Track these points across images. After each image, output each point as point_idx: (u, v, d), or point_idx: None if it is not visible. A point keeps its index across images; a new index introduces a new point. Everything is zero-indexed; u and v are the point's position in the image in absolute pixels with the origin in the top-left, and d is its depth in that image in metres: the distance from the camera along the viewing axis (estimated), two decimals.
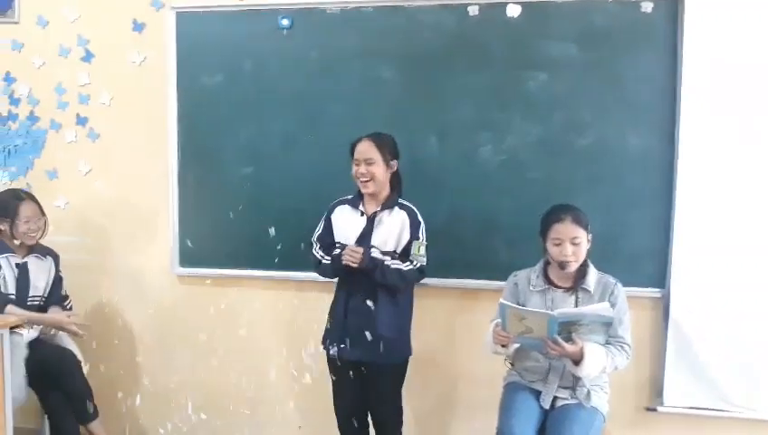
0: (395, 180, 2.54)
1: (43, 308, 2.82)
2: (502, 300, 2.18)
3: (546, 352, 2.16)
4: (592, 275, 2.29)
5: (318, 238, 2.58)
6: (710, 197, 2.62)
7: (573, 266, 2.25)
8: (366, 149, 2.43)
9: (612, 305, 2.17)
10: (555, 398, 2.28)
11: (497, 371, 2.48)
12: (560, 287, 2.30)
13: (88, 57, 3.10)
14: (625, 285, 2.36)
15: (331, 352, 2.52)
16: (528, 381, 2.34)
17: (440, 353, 2.92)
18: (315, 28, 2.86)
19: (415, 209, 2.50)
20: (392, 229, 2.44)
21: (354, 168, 2.47)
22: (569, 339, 2.11)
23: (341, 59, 2.85)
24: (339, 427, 2.64)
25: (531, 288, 2.32)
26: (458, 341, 2.89)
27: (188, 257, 3.06)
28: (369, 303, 2.42)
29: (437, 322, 2.89)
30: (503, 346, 2.25)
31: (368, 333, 2.42)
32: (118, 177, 3.12)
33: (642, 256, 2.70)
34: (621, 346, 2.23)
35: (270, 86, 2.91)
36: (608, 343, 2.22)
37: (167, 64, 2.99)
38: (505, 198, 2.76)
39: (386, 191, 2.50)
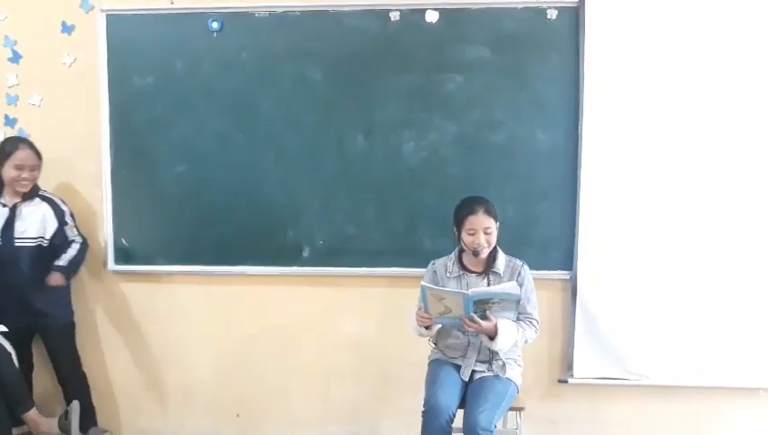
0: None
1: None
2: (423, 283, 2.37)
3: (465, 329, 2.37)
4: (501, 259, 2.51)
5: None
6: (610, 188, 2.88)
7: (486, 252, 2.47)
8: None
9: (520, 285, 2.39)
10: (474, 371, 2.49)
11: (423, 352, 2.66)
12: (473, 272, 2.51)
13: (15, 58, 3.10)
14: (536, 268, 2.59)
15: None
16: (450, 357, 2.54)
17: (371, 338, 3.09)
18: (245, 31, 2.97)
19: (56, 200, 2.94)
20: (33, 219, 2.87)
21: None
22: (484, 317, 2.32)
23: (272, 61, 2.97)
24: None
25: (447, 274, 2.53)
26: (388, 325, 3.06)
27: (123, 255, 3.12)
28: None
29: (368, 308, 3.07)
30: (426, 328, 2.44)
31: None
32: (50, 178, 3.10)
33: (551, 242, 2.95)
34: (530, 321, 2.47)
35: (202, 87, 3.00)
36: (518, 319, 2.45)
37: (98, 66, 3.02)
38: (428, 192, 2.96)
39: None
